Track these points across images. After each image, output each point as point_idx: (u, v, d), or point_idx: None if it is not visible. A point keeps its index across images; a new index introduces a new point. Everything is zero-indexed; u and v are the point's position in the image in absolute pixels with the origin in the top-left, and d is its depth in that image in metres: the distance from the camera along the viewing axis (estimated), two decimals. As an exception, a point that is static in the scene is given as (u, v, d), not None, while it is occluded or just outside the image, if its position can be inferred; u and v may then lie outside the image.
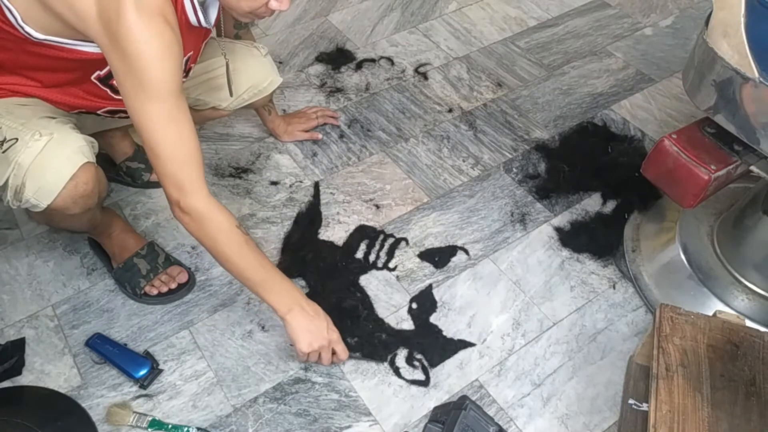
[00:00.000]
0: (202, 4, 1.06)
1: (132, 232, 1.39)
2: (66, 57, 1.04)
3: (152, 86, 0.96)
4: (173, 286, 1.35)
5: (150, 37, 0.93)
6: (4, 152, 1.05)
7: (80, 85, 1.13)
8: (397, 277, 1.41)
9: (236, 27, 1.42)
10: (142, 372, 1.22)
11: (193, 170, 1.03)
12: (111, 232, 1.36)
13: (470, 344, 1.31)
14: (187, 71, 1.22)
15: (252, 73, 1.38)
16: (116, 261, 1.36)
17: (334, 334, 1.19)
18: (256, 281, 1.11)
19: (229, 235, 1.08)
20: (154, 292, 1.34)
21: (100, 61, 1.04)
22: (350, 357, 1.25)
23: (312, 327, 1.15)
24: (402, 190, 1.59)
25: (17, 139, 1.04)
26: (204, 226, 1.07)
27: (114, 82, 1.05)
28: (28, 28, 0.98)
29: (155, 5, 0.94)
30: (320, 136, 1.70)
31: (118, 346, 1.26)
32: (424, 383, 1.25)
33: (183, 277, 1.36)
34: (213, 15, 1.09)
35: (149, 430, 1.16)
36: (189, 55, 1.14)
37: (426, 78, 1.90)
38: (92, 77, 1.12)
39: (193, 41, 1.13)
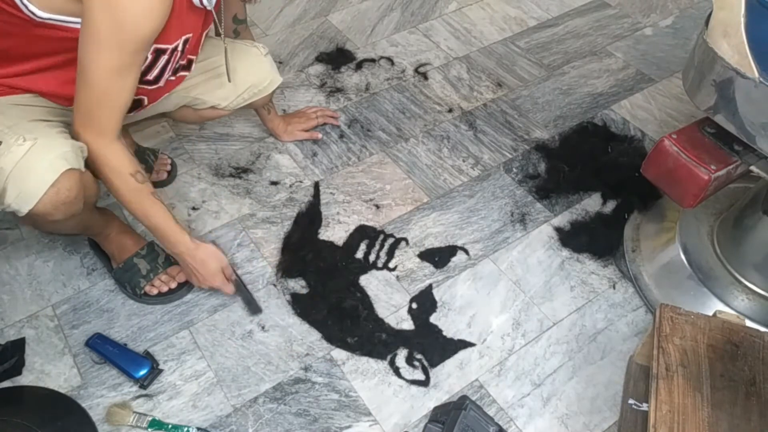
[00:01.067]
0: None
1: (130, 233, 1.39)
2: (70, 37, 1.03)
3: (121, 35, 0.97)
4: (173, 285, 1.35)
5: None
6: None
7: None
8: (397, 277, 1.41)
9: (235, 22, 1.41)
10: (142, 372, 1.22)
11: (108, 118, 1.07)
12: (109, 232, 1.35)
13: (470, 344, 1.31)
14: (188, 63, 1.22)
15: (252, 72, 1.39)
16: (116, 261, 1.36)
17: (215, 266, 1.28)
18: (151, 224, 1.20)
19: (123, 185, 1.13)
20: (154, 291, 1.34)
21: None
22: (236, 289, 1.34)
23: (194, 269, 1.27)
24: (402, 190, 1.59)
25: (1, 142, 1.03)
26: (98, 169, 1.12)
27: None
28: (31, 7, 0.98)
29: None
30: (320, 135, 1.69)
31: (118, 346, 1.26)
32: (424, 383, 1.25)
33: (183, 277, 1.36)
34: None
35: (149, 430, 1.16)
36: (188, 36, 1.14)
37: (426, 78, 1.90)
38: None
39: (193, 22, 1.13)
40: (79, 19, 1.01)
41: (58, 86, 1.13)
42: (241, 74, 1.35)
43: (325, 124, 1.72)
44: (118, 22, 0.96)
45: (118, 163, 1.11)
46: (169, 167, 1.58)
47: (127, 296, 1.35)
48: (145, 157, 1.53)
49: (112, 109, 1.07)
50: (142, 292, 1.33)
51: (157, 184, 1.54)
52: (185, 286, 1.36)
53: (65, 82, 1.12)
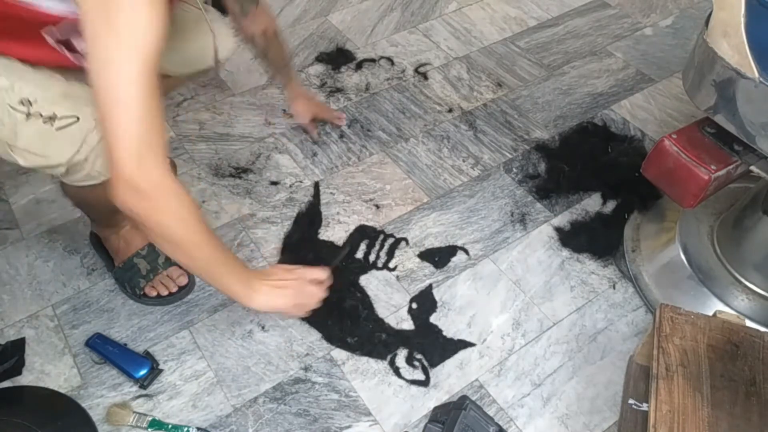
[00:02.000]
0: None
1: (139, 231, 1.36)
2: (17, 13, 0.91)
3: (130, 33, 0.83)
4: (174, 289, 1.35)
5: None
6: (58, 129, 0.98)
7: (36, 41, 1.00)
8: (397, 277, 1.41)
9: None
10: (142, 372, 1.22)
11: (153, 136, 0.87)
12: (124, 225, 1.33)
13: (470, 344, 1.31)
14: None
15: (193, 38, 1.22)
16: (118, 259, 1.36)
17: (308, 288, 1.13)
18: (211, 271, 1.02)
19: (190, 216, 0.94)
20: (154, 293, 1.34)
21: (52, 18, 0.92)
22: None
23: (288, 303, 1.10)
24: (402, 190, 1.59)
25: (77, 117, 0.99)
26: (164, 205, 0.91)
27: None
28: None
29: None
30: (317, 132, 1.70)
31: (118, 346, 1.26)
32: (424, 383, 1.25)
33: (183, 280, 1.36)
34: None
35: (149, 430, 1.16)
36: None
37: (426, 78, 1.90)
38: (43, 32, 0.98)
39: None
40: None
41: (24, 49, 1.00)
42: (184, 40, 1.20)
43: (329, 123, 1.73)
44: (117, 23, 0.83)
45: (181, 193, 0.92)
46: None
47: (127, 296, 1.35)
48: None
49: (157, 125, 0.88)
50: (142, 292, 1.33)
51: None
52: (185, 289, 1.36)
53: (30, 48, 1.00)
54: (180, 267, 1.37)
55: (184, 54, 1.10)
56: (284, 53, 1.54)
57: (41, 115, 0.98)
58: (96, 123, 1.01)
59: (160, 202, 0.90)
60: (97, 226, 1.37)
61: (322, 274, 1.16)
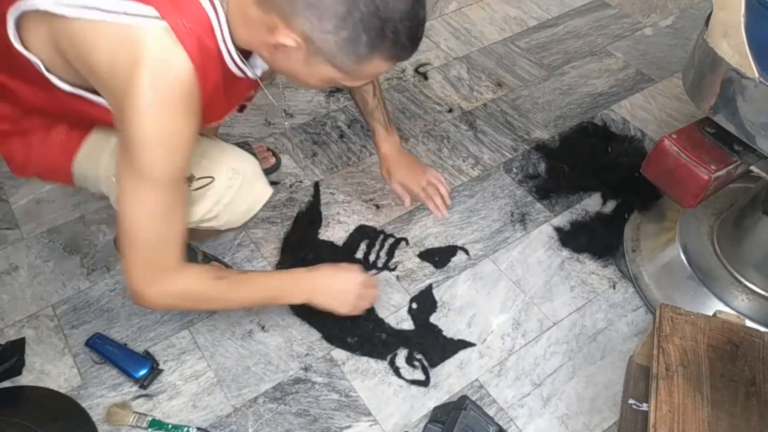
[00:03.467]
0: (247, 57, 0.93)
1: None
2: (93, 114, 0.95)
3: (151, 176, 0.86)
4: None
5: (159, 128, 0.83)
6: (195, 190, 1.01)
7: None
8: (397, 277, 1.41)
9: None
10: (142, 372, 1.22)
11: (173, 252, 0.95)
12: None
13: (470, 344, 1.31)
14: (242, 107, 1.15)
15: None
16: None
17: (358, 276, 1.19)
18: (260, 303, 1.14)
19: (214, 297, 1.03)
20: None
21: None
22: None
23: (333, 292, 1.17)
24: (402, 190, 1.59)
25: (213, 178, 1.03)
26: (180, 306, 1.06)
27: None
28: (53, 78, 0.89)
29: (175, 85, 0.81)
30: (408, 203, 1.40)
31: (118, 346, 1.26)
32: (424, 383, 1.25)
33: None
34: (260, 68, 0.96)
35: (149, 430, 1.16)
36: (240, 105, 1.09)
37: (426, 78, 1.90)
38: None
39: (239, 91, 1.01)
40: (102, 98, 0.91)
41: None
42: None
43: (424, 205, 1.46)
44: (140, 163, 0.85)
45: (197, 283, 1.00)
46: (270, 154, 1.59)
47: None
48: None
49: (179, 243, 0.95)
50: None
51: (269, 170, 1.58)
52: None
53: None
54: (217, 260, 1.39)
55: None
56: (373, 88, 1.31)
57: None
58: (229, 179, 1.06)
59: (181, 305, 1.05)
60: None
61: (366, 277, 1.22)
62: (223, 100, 0.95)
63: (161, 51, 0.80)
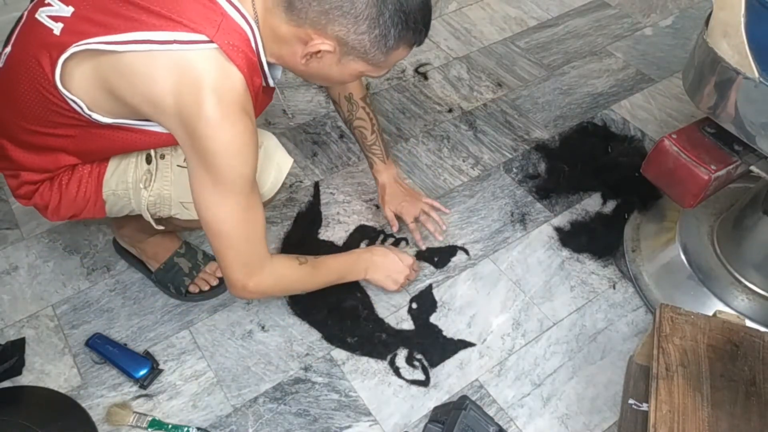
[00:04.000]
0: (269, 65, 1.01)
1: (171, 233, 1.37)
2: (135, 138, 1.02)
3: (232, 183, 0.95)
4: (214, 283, 1.36)
5: (232, 136, 0.91)
6: None
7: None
8: (397, 277, 1.41)
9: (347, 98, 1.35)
10: (142, 372, 1.22)
11: (260, 248, 1.05)
12: (154, 232, 1.32)
13: (470, 344, 1.31)
14: None
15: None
16: (156, 262, 1.35)
17: (408, 259, 1.32)
18: (333, 282, 1.24)
19: (300, 277, 1.16)
20: (196, 290, 1.35)
21: (169, 138, 1.00)
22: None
23: (388, 270, 1.30)
24: (402, 190, 1.59)
25: None
26: (275, 291, 1.18)
27: None
28: (95, 116, 0.96)
29: (236, 97, 0.91)
30: (396, 228, 1.46)
31: (118, 346, 1.26)
32: (424, 383, 1.25)
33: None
34: (278, 74, 1.05)
35: (149, 430, 1.16)
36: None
37: (426, 78, 1.90)
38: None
39: (263, 102, 1.09)
40: (145, 122, 0.98)
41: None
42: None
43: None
44: (218, 174, 0.93)
45: (286, 270, 1.14)
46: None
47: (169, 296, 1.35)
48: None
49: (262, 239, 1.04)
50: (187, 290, 1.34)
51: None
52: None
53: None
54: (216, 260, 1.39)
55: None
56: (371, 125, 1.38)
57: None
58: (273, 157, 1.17)
59: (277, 290, 1.19)
60: (130, 234, 1.35)
61: (414, 268, 1.36)
62: (258, 108, 1.02)
63: (218, 70, 0.89)
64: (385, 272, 1.30)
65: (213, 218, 0.98)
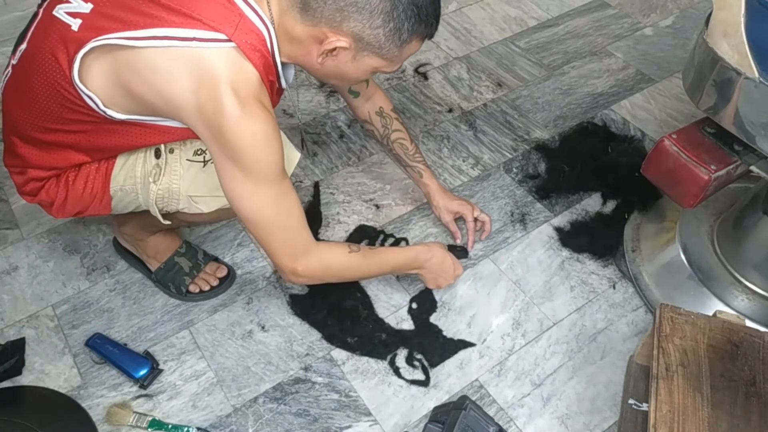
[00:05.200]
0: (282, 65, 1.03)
1: (172, 231, 1.38)
2: (147, 134, 1.03)
3: (262, 173, 0.96)
4: (215, 283, 1.36)
5: (256, 129, 0.92)
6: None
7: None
8: (397, 277, 1.41)
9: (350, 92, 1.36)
10: (142, 372, 1.22)
11: (302, 233, 1.06)
12: (155, 231, 1.34)
13: (470, 344, 1.31)
14: None
15: None
16: (156, 261, 1.35)
17: (459, 269, 1.32)
18: (385, 273, 1.26)
19: (351, 265, 1.15)
20: (197, 290, 1.35)
21: (182, 133, 1.02)
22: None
23: (440, 270, 1.29)
24: (402, 190, 1.59)
25: None
26: (326, 277, 1.15)
27: None
28: (110, 111, 0.97)
29: (252, 90, 0.92)
30: (459, 238, 1.45)
31: (118, 346, 1.26)
32: (424, 383, 1.25)
33: (222, 272, 1.37)
34: (290, 76, 1.07)
35: (149, 430, 1.16)
36: None
37: (426, 78, 1.90)
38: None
39: (273, 103, 1.08)
40: (160, 118, 0.99)
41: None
42: None
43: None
44: (247, 166, 0.94)
45: (336, 255, 1.14)
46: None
47: (169, 296, 1.35)
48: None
49: (302, 224, 1.05)
50: (187, 290, 1.34)
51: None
52: (226, 280, 1.36)
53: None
54: (217, 260, 1.40)
55: None
56: (408, 134, 1.39)
57: None
58: None
59: (327, 275, 1.14)
60: (132, 232, 1.34)
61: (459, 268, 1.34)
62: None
63: (234, 66, 0.91)
64: (436, 275, 1.29)
65: (249, 209, 0.99)
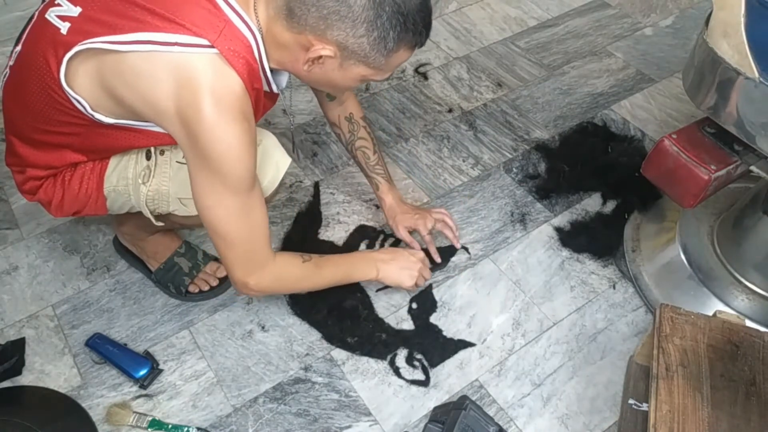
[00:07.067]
0: (273, 71, 1.03)
1: (171, 231, 1.38)
2: (137, 137, 1.04)
3: (231, 183, 0.96)
4: (214, 283, 1.36)
5: (231, 138, 0.92)
6: None
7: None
8: (397, 277, 1.41)
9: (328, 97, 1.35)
10: (142, 372, 1.22)
11: (263, 249, 1.06)
12: (155, 230, 1.33)
13: (470, 344, 1.31)
14: None
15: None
16: (156, 261, 1.35)
17: (418, 253, 1.32)
18: (339, 280, 1.23)
19: (305, 274, 1.16)
20: (196, 290, 1.35)
21: (170, 138, 1.01)
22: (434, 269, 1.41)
23: (400, 265, 1.28)
24: (402, 190, 1.58)
25: None
26: (279, 289, 1.18)
27: None
28: (98, 115, 0.97)
29: (234, 100, 0.92)
30: (418, 248, 1.39)
31: (118, 346, 1.26)
32: (424, 383, 1.25)
33: (222, 272, 1.37)
34: (283, 81, 1.07)
35: (149, 430, 1.16)
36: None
37: (426, 78, 1.90)
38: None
39: (266, 106, 1.10)
40: (148, 123, 0.99)
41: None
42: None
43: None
44: (219, 175, 0.94)
45: (290, 267, 1.15)
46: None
47: (169, 296, 1.35)
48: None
49: (264, 239, 1.05)
50: (187, 290, 1.34)
51: None
52: (226, 281, 1.36)
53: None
54: (217, 260, 1.39)
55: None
56: (373, 144, 1.38)
57: None
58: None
59: (279, 288, 1.19)
60: (131, 232, 1.35)
61: (427, 272, 1.34)
62: (259, 112, 1.04)
63: (216, 73, 0.90)
64: (398, 266, 1.28)
65: (213, 218, 1.00)
